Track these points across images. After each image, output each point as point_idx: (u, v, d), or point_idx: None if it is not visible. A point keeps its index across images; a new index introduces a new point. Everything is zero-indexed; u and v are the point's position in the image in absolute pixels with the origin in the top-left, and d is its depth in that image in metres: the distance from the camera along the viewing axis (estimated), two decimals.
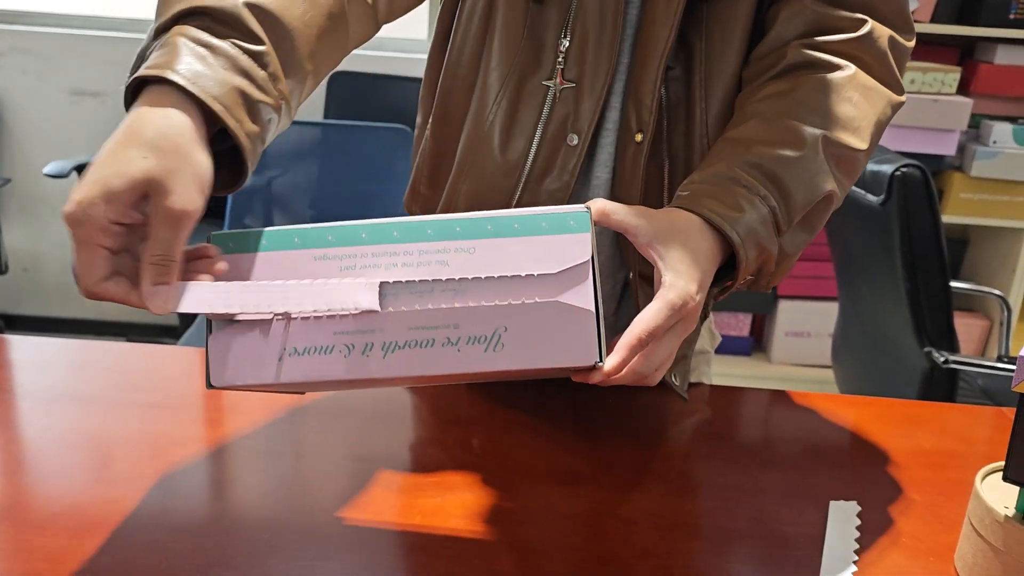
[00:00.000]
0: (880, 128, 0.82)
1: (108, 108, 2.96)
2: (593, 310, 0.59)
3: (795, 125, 0.76)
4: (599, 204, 0.65)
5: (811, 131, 0.76)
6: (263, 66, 0.64)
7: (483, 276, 0.59)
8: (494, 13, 0.84)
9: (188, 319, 2.41)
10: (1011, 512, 0.67)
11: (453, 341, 0.58)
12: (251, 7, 0.64)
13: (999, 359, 1.85)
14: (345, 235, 0.60)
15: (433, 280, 0.59)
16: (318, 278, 0.60)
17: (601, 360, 0.60)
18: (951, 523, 0.77)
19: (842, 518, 0.76)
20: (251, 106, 0.62)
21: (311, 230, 0.60)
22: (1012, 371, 0.65)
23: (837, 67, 0.80)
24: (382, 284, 0.59)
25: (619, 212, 0.66)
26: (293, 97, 0.68)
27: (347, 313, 0.59)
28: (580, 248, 0.59)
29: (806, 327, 2.67)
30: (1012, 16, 2.26)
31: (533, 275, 0.59)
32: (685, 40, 0.83)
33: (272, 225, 2.42)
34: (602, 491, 0.79)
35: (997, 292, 1.99)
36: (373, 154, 2.39)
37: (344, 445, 0.84)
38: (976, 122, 2.41)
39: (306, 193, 2.43)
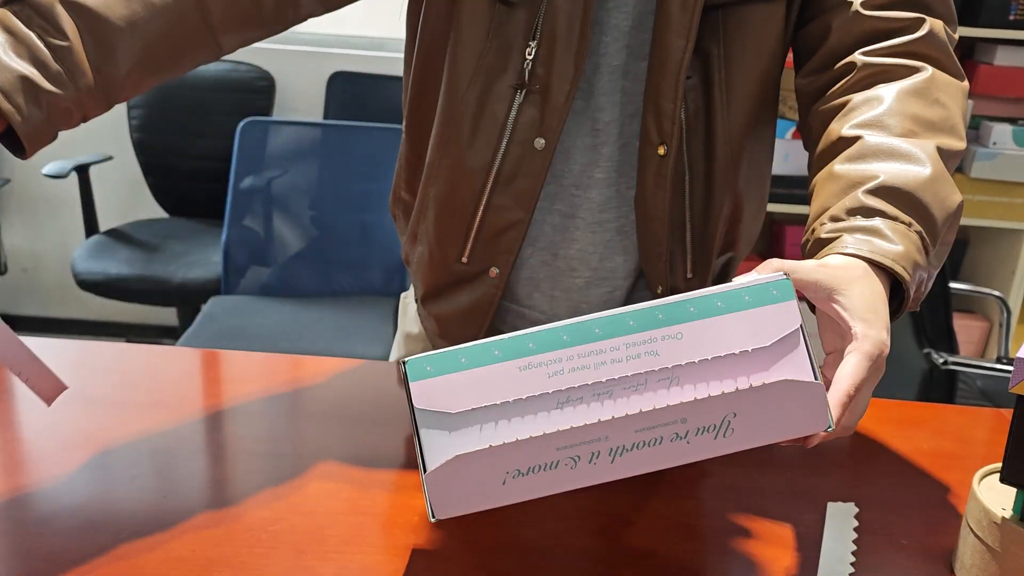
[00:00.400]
0: (965, 121, 0.80)
1: None
2: (819, 380, 0.58)
3: (908, 142, 0.73)
4: (775, 264, 0.62)
5: (926, 144, 0.73)
6: (59, 60, 0.70)
7: (696, 360, 0.57)
8: (457, 13, 0.83)
9: (187, 320, 2.42)
10: (1008, 514, 0.67)
11: (682, 435, 0.56)
12: (67, 3, 0.70)
13: (998, 360, 1.85)
14: (546, 340, 0.58)
15: (647, 372, 0.57)
16: (528, 389, 0.57)
17: (832, 425, 0.58)
18: (949, 524, 0.78)
19: (839, 519, 0.76)
20: (36, 94, 0.69)
21: (509, 340, 0.58)
22: (1011, 372, 0.65)
23: (915, 70, 0.78)
24: (596, 383, 0.57)
25: (797, 270, 0.63)
26: (114, 88, 0.74)
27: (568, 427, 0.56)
28: (788, 317, 0.58)
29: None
30: (1012, 17, 2.26)
31: (748, 351, 0.58)
32: (701, 48, 0.82)
33: (273, 225, 2.43)
34: (600, 491, 0.79)
35: (997, 293, 1.99)
36: (373, 154, 2.39)
37: (343, 446, 0.85)
38: (976, 123, 2.41)
39: (306, 193, 2.43)
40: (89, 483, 0.76)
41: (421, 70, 0.89)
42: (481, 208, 0.87)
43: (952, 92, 0.77)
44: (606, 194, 0.88)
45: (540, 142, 0.83)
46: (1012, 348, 2.09)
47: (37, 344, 1.02)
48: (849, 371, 0.61)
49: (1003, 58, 2.35)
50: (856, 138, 0.74)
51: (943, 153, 0.73)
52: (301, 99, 2.92)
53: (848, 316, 0.63)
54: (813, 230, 0.72)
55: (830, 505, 0.79)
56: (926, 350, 1.52)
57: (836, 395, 0.60)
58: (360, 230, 2.42)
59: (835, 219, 0.70)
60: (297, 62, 2.89)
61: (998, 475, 0.68)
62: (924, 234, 0.69)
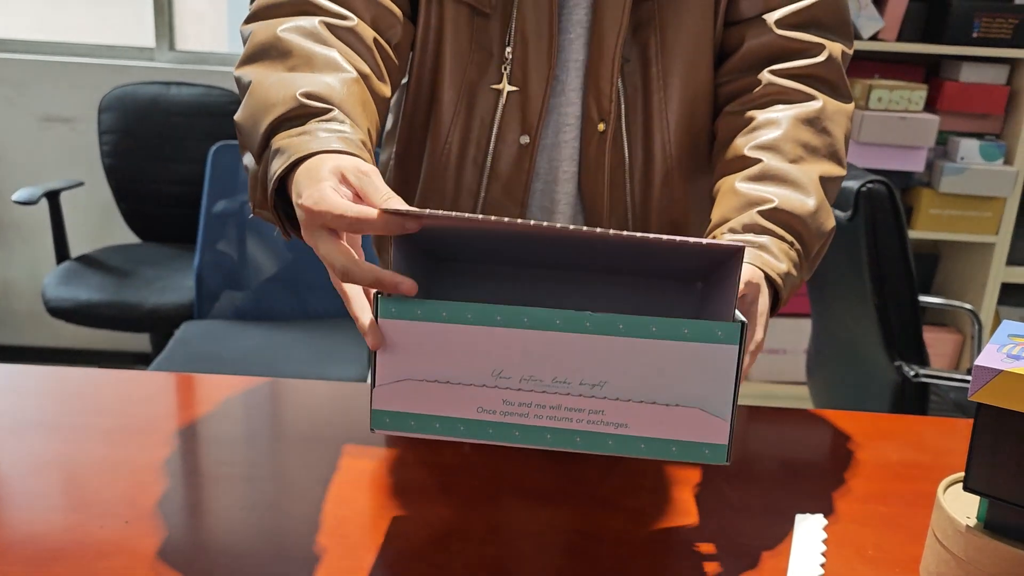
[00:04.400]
0: (847, 142, 0.92)
1: (78, 134, 2.95)
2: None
3: (799, 169, 0.86)
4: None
5: (811, 173, 0.86)
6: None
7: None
8: (443, 36, 0.91)
9: (160, 345, 2.39)
10: (973, 522, 0.67)
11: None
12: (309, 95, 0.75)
13: (970, 372, 1.86)
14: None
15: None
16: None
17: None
18: (916, 534, 0.78)
19: (808, 532, 0.76)
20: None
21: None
22: None
23: (809, 97, 0.89)
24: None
25: (748, 289, 0.75)
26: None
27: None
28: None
29: (782, 344, 2.69)
30: (975, 35, 2.30)
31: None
32: (639, 35, 0.91)
33: (247, 249, 2.42)
34: (571, 509, 0.79)
35: (968, 306, 2.00)
36: None
37: (317, 469, 0.84)
38: (943, 139, 2.44)
39: None
40: (53, 510, 0.75)
41: (413, 97, 0.95)
42: (479, 206, 0.94)
43: (838, 120, 0.90)
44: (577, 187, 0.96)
45: (524, 138, 0.91)
46: None
47: (3, 371, 1.01)
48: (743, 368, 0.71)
49: (968, 75, 2.39)
50: (756, 160, 0.87)
51: (824, 181, 0.87)
52: None
53: (750, 323, 0.75)
54: (714, 236, 0.85)
55: (799, 517, 0.78)
56: (897, 363, 1.52)
57: None
58: None
59: (733, 231, 0.83)
60: None
61: (962, 484, 0.68)
62: (801, 253, 0.84)
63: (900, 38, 2.35)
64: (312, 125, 0.71)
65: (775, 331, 2.71)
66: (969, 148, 2.38)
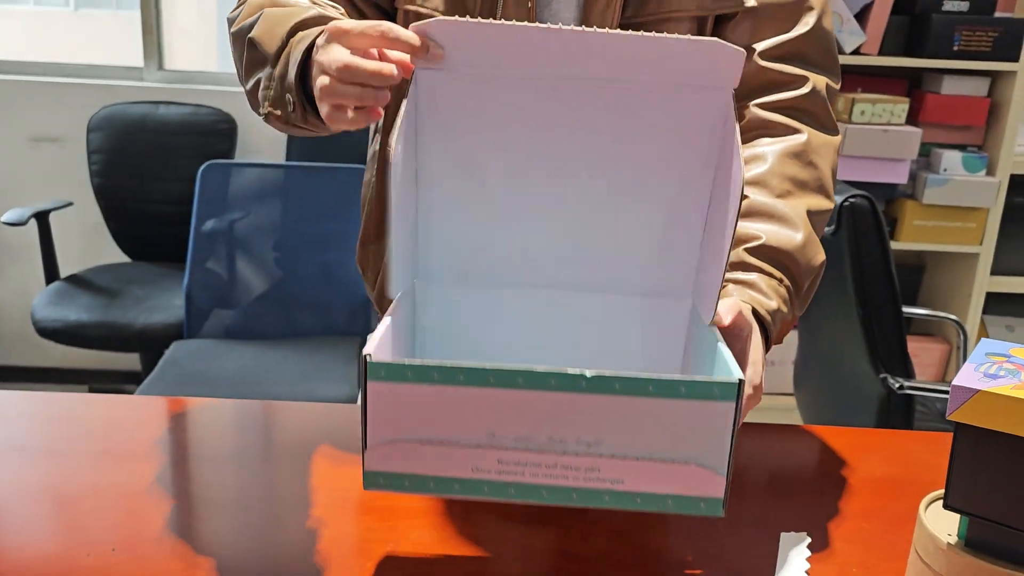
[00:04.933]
0: (835, 176, 0.92)
1: (68, 154, 2.95)
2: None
3: (786, 204, 0.86)
4: (719, 318, 0.72)
5: (799, 207, 0.86)
6: None
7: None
8: None
9: (150, 365, 2.39)
10: (954, 539, 0.68)
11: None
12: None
13: None
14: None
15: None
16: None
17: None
18: (899, 551, 0.79)
19: (792, 550, 0.77)
20: None
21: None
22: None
23: (794, 130, 0.90)
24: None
25: (738, 319, 0.73)
26: None
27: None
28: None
29: (771, 355, 2.70)
30: (956, 48, 2.33)
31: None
32: None
33: (236, 268, 2.42)
34: (556, 528, 0.80)
35: (952, 317, 2.02)
36: (335, 195, 2.40)
37: (311, 490, 0.84)
38: (926, 150, 2.46)
39: (270, 235, 2.43)
40: (42, 538, 0.76)
41: (393, 113, 0.96)
42: None
43: (824, 153, 0.90)
44: None
45: None
46: None
47: None
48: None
49: (949, 87, 2.41)
50: (743, 196, 0.85)
51: (812, 215, 0.87)
52: (263, 141, 2.93)
53: (748, 367, 0.73)
54: None
55: (783, 536, 0.79)
56: (882, 375, 1.54)
57: None
58: (323, 270, 2.42)
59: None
60: None
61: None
62: (791, 289, 0.84)
63: (882, 52, 2.38)
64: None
65: None
66: (952, 160, 2.41)
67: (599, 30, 0.68)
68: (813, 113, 0.91)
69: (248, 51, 0.84)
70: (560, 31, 0.68)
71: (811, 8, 0.92)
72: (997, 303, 2.66)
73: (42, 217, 2.67)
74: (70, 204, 2.80)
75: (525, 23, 0.69)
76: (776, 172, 0.87)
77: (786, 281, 0.84)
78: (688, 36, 0.69)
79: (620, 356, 0.80)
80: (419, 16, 0.93)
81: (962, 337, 2.05)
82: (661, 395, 0.59)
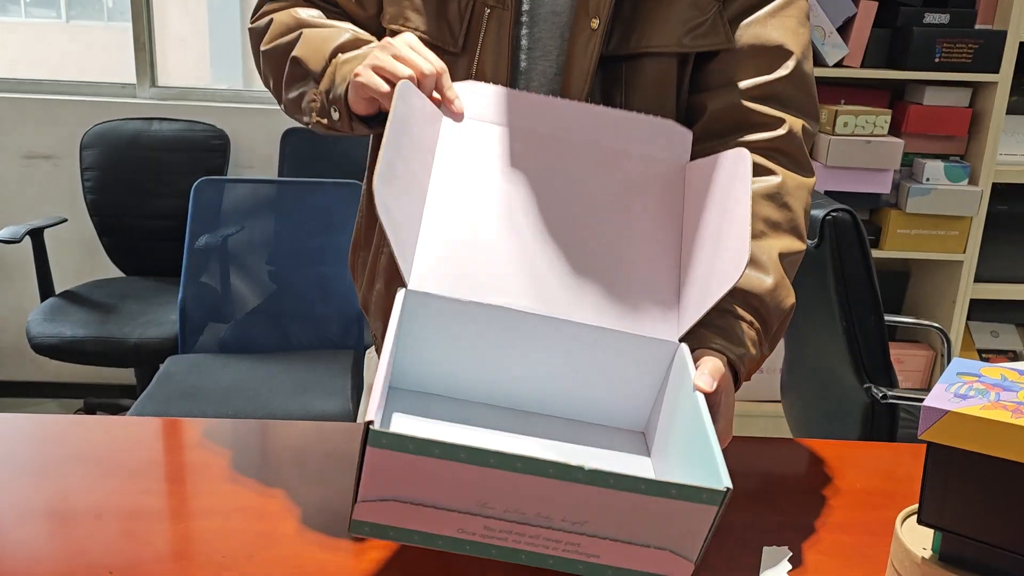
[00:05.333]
0: (808, 216, 0.94)
1: (61, 171, 2.96)
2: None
3: (758, 247, 0.89)
4: (704, 383, 0.75)
5: (771, 250, 0.89)
6: None
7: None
8: None
9: (145, 379, 2.41)
10: (928, 553, 0.71)
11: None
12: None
13: None
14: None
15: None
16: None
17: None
18: (878, 563, 0.82)
19: (774, 563, 0.80)
20: None
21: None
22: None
23: (769, 171, 0.92)
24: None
25: (720, 382, 0.78)
26: None
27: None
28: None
29: None
30: (937, 60, 2.37)
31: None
32: (607, 93, 0.95)
33: (231, 282, 2.45)
34: None
35: (935, 325, 2.06)
36: (327, 209, 2.42)
37: (303, 509, 0.87)
38: (909, 160, 2.50)
39: (263, 249, 2.45)
40: (39, 562, 0.77)
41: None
42: None
43: (798, 194, 0.93)
44: None
45: None
46: None
47: None
48: None
49: (931, 98, 2.45)
50: None
51: (784, 257, 0.90)
52: (256, 156, 2.95)
53: (721, 418, 0.78)
54: None
55: (765, 549, 0.82)
56: (866, 385, 1.57)
57: None
58: (317, 284, 2.44)
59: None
60: (250, 120, 2.92)
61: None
62: (760, 331, 0.87)
63: (864, 64, 2.42)
64: (365, 48, 0.90)
65: None
66: (934, 169, 2.44)
67: (577, 102, 0.88)
68: (789, 154, 0.93)
69: (290, 67, 0.95)
70: (551, 100, 0.88)
71: (791, 52, 0.94)
72: (981, 309, 2.70)
73: (36, 234, 2.68)
74: (64, 221, 2.82)
75: (533, 95, 0.88)
76: (751, 213, 0.88)
77: (756, 324, 0.86)
78: (646, 115, 0.88)
79: (595, 394, 0.82)
80: None
81: (946, 344, 2.08)
82: (652, 494, 0.62)
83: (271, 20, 1.00)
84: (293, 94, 0.96)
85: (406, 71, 0.82)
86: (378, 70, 0.83)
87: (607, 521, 0.64)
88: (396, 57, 0.84)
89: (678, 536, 0.64)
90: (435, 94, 0.86)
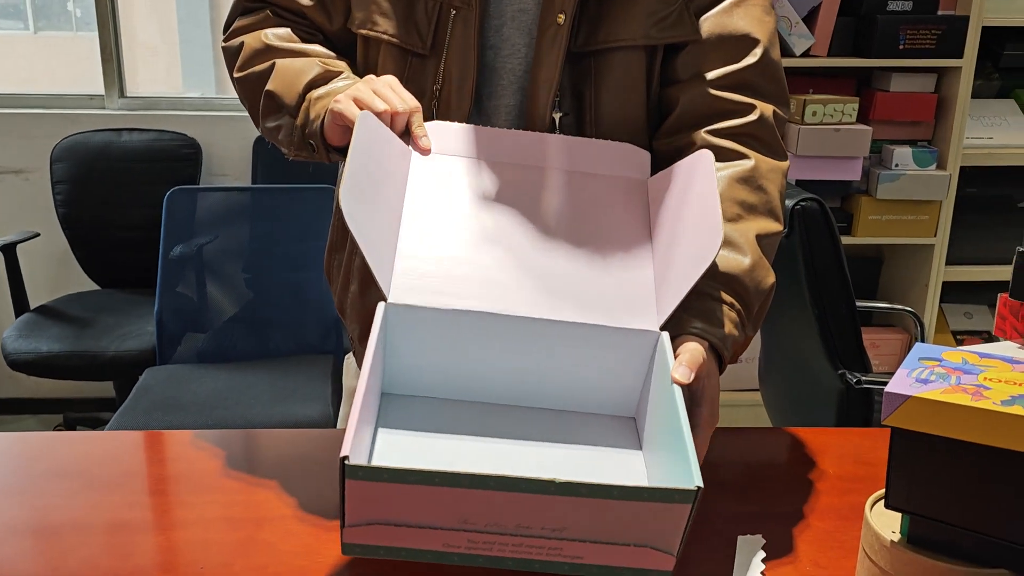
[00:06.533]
0: (783, 198, 0.95)
1: (32, 185, 2.94)
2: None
3: (735, 229, 0.89)
4: (681, 375, 0.76)
5: (748, 232, 0.89)
6: None
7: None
8: (379, 74, 0.97)
9: (124, 392, 2.40)
10: (897, 536, 0.72)
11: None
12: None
13: None
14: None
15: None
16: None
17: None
18: (850, 548, 0.83)
19: (748, 552, 0.81)
20: None
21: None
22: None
23: (742, 156, 0.93)
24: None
25: (699, 370, 0.78)
26: None
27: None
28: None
29: None
30: (902, 47, 2.39)
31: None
32: (576, 88, 0.96)
33: (207, 291, 2.44)
34: None
35: (908, 309, 2.09)
36: (302, 214, 2.42)
37: (288, 517, 0.87)
38: (877, 147, 2.53)
39: (239, 257, 2.45)
40: (26, 573, 0.78)
41: None
42: None
43: (773, 177, 0.94)
44: None
45: None
46: None
47: None
48: (699, 445, 0.77)
49: (897, 85, 2.48)
50: None
51: (761, 238, 0.90)
52: (228, 164, 2.94)
53: (706, 397, 0.79)
54: None
55: (740, 539, 0.83)
56: (840, 371, 1.59)
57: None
58: (294, 290, 2.44)
59: None
60: (222, 127, 2.91)
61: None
62: (742, 312, 0.87)
63: (831, 53, 2.44)
64: (335, 82, 0.95)
65: None
66: (903, 155, 2.47)
67: (540, 134, 0.93)
68: (761, 139, 0.95)
69: (265, 100, 0.98)
70: (515, 133, 0.92)
71: (758, 40, 0.95)
72: (954, 291, 2.73)
73: (9, 249, 2.66)
74: (37, 235, 2.80)
75: (496, 129, 0.92)
76: (726, 197, 0.90)
77: (737, 305, 0.87)
78: (606, 141, 0.93)
79: (581, 383, 0.84)
80: (374, 40, 0.98)
81: (919, 328, 2.11)
82: (624, 498, 0.64)
83: (242, 44, 1.01)
84: (270, 124, 0.99)
85: (381, 105, 0.86)
86: (356, 101, 0.86)
87: (586, 526, 0.65)
88: (375, 91, 0.87)
89: (656, 534, 0.66)
90: (408, 130, 0.89)
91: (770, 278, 0.91)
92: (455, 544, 0.66)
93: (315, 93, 0.94)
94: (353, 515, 0.65)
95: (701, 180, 0.82)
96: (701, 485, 0.65)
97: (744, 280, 0.88)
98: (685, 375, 0.76)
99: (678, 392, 0.74)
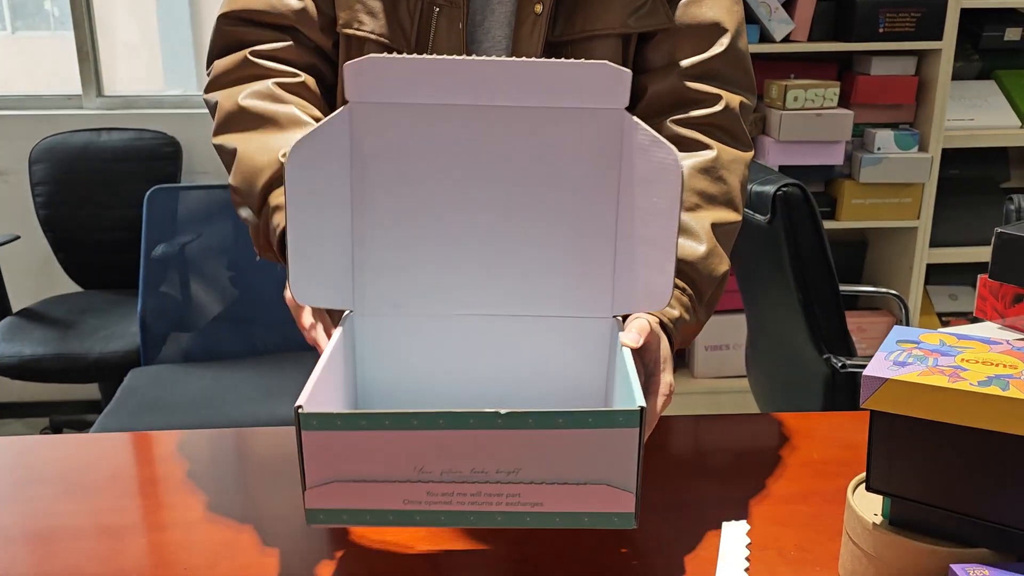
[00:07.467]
0: (745, 189, 0.97)
1: (11, 187, 2.92)
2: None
3: (692, 218, 0.91)
4: (630, 339, 0.77)
5: (704, 221, 0.91)
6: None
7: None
8: None
9: (110, 393, 2.39)
10: (879, 519, 0.72)
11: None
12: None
13: None
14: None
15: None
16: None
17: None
18: (835, 532, 0.83)
19: (733, 538, 0.81)
20: None
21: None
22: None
23: (705, 146, 0.95)
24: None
25: (648, 338, 0.79)
26: None
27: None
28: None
29: (724, 340, 2.76)
30: (881, 30, 2.40)
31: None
32: None
33: (191, 290, 2.43)
34: (493, 532, 0.83)
35: (893, 292, 2.09)
36: None
37: (271, 507, 0.87)
38: (859, 131, 2.53)
39: (222, 255, 2.43)
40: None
41: None
42: None
43: (734, 168, 0.95)
44: None
45: None
46: None
47: None
48: (655, 413, 0.79)
49: (878, 68, 2.48)
50: None
51: (718, 227, 0.92)
52: (209, 161, 2.92)
53: (658, 371, 0.80)
54: None
55: (725, 525, 0.84)
56: (825, 356, 1.60)
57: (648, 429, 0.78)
58: (279, 286, 2.41)
59: None
60: (202, 125, 2.89)
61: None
62: (693, 297, 0.89)
63: (811, 38, 2.44)
64: None
65: (718, 328, 2.79)
66: (885, 138, 2.48)
67: (494, 59, 0.75)
68: (726, 129, 0.96)
69: (231, 191, 0.96)
70: (466, 61, 0.75)
71: (726, 30, 0.97)
72: (938, 273, 2.75)
73: None
74: (17, 238, 2.78)
75: (442, 56, 0.75)
76: (687, 187, 0.92)
77: (689, 291, 0.89)
78: (579, 60, 0.75)
79: (548, 376, 0.84)
80: (359, 39, 0.97)
81: (903, 310, 2.12)
82: (571, 426, 0.64)
83: (216, 104, 0.98)
84: (242, 215, 0.96)
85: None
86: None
87: (539, 464, 0.65)
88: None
89: (609, 467, 0.65)
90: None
91: (723, 266, 0.93)
92: (415, 499, 0.66)
93: (272, 202, 0.91)
94: (312, 474, 0.65)
95: (669, 187, 0.78)
96: (644, 405, 0.65)
97: (698, 266, 0.90)
98: (633, 339, 0.77)
99: (628, 354, 0.75)
